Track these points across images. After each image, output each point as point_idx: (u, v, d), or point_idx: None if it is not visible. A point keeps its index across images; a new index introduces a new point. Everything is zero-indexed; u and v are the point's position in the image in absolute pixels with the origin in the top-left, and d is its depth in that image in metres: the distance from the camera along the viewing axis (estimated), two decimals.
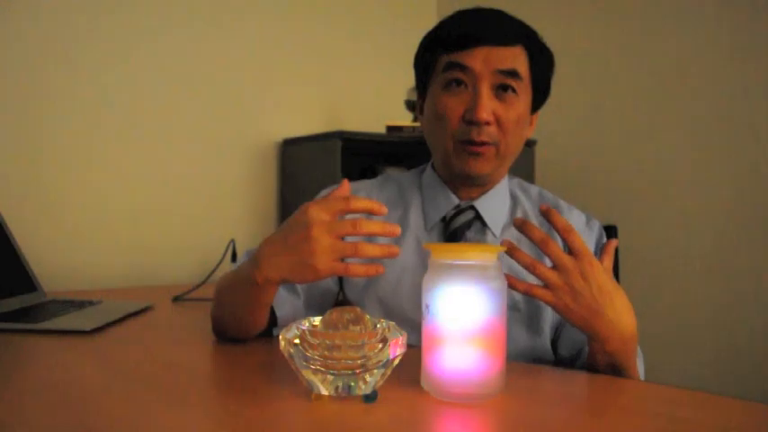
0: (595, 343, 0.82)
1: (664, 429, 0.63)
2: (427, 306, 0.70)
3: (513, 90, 0.98)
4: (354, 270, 0.78)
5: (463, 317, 0.68)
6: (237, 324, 0.95)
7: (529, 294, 0.79)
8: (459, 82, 0.99)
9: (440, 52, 1.02)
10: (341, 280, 1.09)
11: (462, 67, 0.98)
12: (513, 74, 0.98)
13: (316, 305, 1.06)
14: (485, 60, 0.97)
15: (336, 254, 0.77)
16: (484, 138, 0.98)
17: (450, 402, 0.68)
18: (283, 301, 1.01)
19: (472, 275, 0.69)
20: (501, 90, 0.98)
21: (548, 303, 0.79)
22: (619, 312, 0.80)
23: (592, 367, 0.87)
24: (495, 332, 0.69)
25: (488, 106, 0.97)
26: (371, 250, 0.77)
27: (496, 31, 0.98)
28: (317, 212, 0.77)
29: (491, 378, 0.69)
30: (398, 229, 0.79)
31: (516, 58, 0.98)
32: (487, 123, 0.97)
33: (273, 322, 1.01)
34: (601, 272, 0.80)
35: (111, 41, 1.91)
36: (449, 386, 0.69)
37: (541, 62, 1.03)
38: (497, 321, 0.69)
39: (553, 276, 0.78)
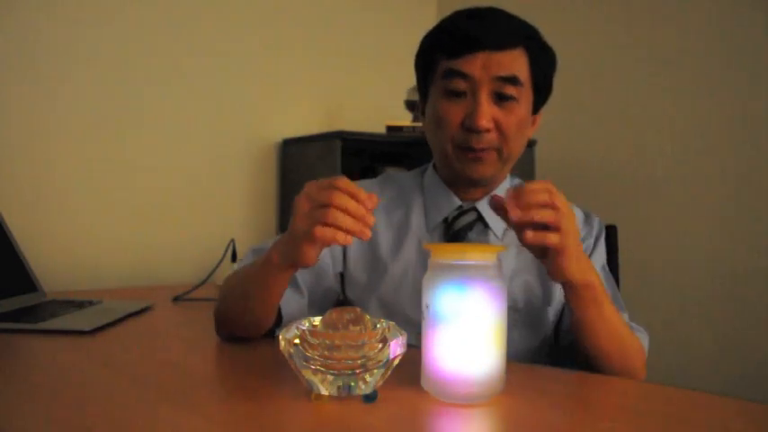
0: (582, 290, 0.83)
1: (663, 429, 0.63)
2: (427, 306, 0.70)
3: (513, 97, 0.98)
4: (323, 234, 0.76)
5: (463, 317, 0.68)
6: (246, 317, 0.94)
7: (537, 240, 0.77)
8: (458, 92, 0.98)
9: (439, 57, 1.01)
10: (342, 280, 1.09)
11: (461, 75, 0.97)
12: (513, 80, 0.97)
13: (318, 304, 1.06)
14: (484, 66, 0.96)
15: (313, 220, 0.77)
16: (484, 144, 0.98)
17: (450, 402, 0.68)
18: (289, 300, 1.01)
19: (472, 275, 0.69)
20: (500, 97, 0.98)
21: (552, 244, 0.77)
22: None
23: (577, 326, 0.88)
24: (495, 332, 0.69)
25: (488, 114, 0.96)
26: (343, 219, 0.76)
27: (495, 34, 0.97)
28: (309, 186, 0.81)
29: (491, 378, 0.69)
30: (374, 201, 0.78)
31: (516, 63, 0.97)
32: (487, 131, 0.97)
33: (278, 323, 1.01)
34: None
35: (112, 41, 1.91)
36: (449, 386, 0.69)
37: (542, 62, 1.02)
38: (497, 321, 0.69)
39: (552, 216, 0.77)
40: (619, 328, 0.89)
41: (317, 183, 0.80)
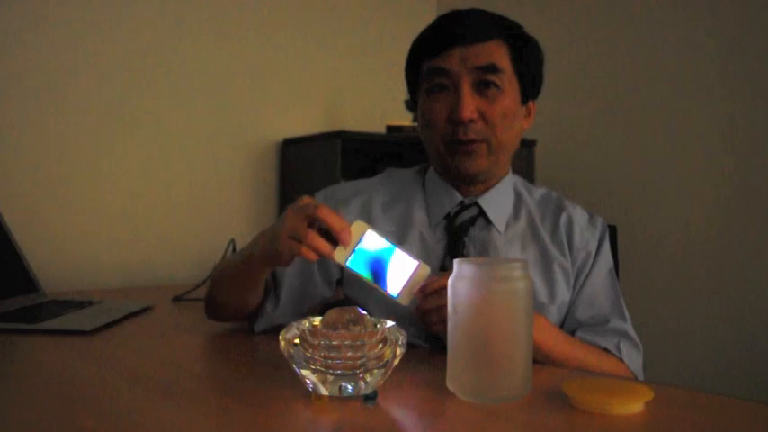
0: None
1: (663, 429, 0.63)
2: (455, 309, 0.70)
3: (495, 85, 0.99)
4: (306, 253, 0.81)
5: (491, 319, 0.68)
6: (231, 301, 1.02)
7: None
8: (441, 87, 1.00)
9: (421, 60, 1.04)
10: (340, 279, 1.09)
11: (441, 71, 0.99)
12: (492, 68, 0.98)
13: (301, 306, 1.06)
14: (461, 60, 0.98)
15: (294, 235, 0.82)
16: (471, 135, 0.98)
17: (450, 402, 0.68)
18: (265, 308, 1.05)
19: (498, 277, 0.68)
20: (483, 86, 0.99)
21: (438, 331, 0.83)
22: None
23: None
24: (522, 333, 0.69)
25: (470, 104, 0.97)
26: (319, 243, 0.81)
27: (469, 29, 0.99)
28: (305, 200, 0.84)
29: (519, 379, 0.69)
30: (348, 241, 0.82)
31: (493, 52, 0.99)
32: (471, 121, 0.98)
33: (257, 315, 1.05)
34: None
35: (113, 40, 1.91)
36: (476, 388, 0.68)
37: (525, 53, 1.03)
38: (525, 323, 0.69)
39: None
40: (582, 365, 0.92)
41: (316, 201, 0.85)
